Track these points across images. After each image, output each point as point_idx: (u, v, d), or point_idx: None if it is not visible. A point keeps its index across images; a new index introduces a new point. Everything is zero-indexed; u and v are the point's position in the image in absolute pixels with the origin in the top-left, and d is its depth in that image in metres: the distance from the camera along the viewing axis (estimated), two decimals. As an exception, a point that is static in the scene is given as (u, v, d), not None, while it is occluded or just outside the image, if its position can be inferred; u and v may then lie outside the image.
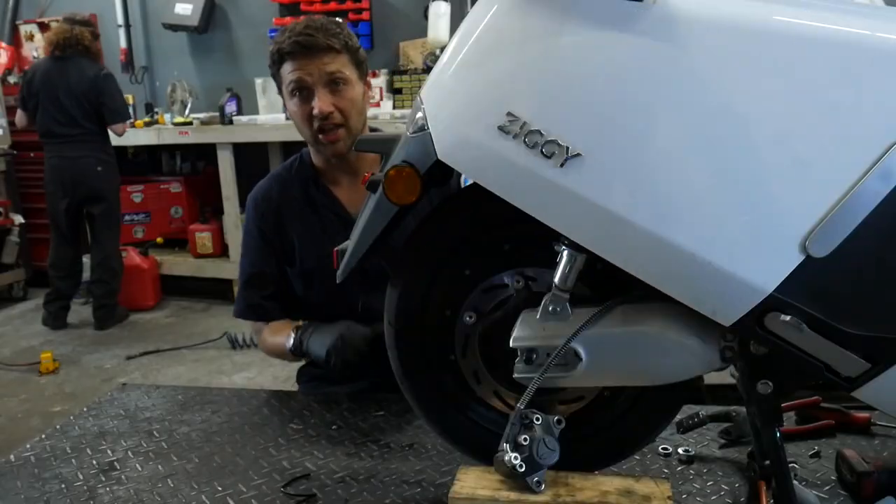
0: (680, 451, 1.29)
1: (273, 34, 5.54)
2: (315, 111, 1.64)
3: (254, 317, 1.81)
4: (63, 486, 1.30)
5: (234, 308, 1.85)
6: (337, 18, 1.75)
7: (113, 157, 5.06)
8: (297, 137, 1.78)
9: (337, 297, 1.59)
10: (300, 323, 1.64)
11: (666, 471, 1.24)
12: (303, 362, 1.82)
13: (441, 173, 1.04)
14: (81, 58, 4.86)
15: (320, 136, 1.67)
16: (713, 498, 1.16)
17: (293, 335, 1.60)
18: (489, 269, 1.12)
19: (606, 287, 1.04)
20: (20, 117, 5.07)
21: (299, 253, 1.75)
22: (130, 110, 5.76)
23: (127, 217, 5.64)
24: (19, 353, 4.62)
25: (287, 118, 1.84)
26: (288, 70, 1.65)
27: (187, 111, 5.64)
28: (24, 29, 6.57)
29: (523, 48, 0.95)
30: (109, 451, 1.43)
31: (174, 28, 5.93)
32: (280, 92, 1.73)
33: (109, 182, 5.05)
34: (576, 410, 1.12)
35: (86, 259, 5.22)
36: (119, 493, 1.26)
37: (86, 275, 5.20)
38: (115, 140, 5.21)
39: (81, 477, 1.33)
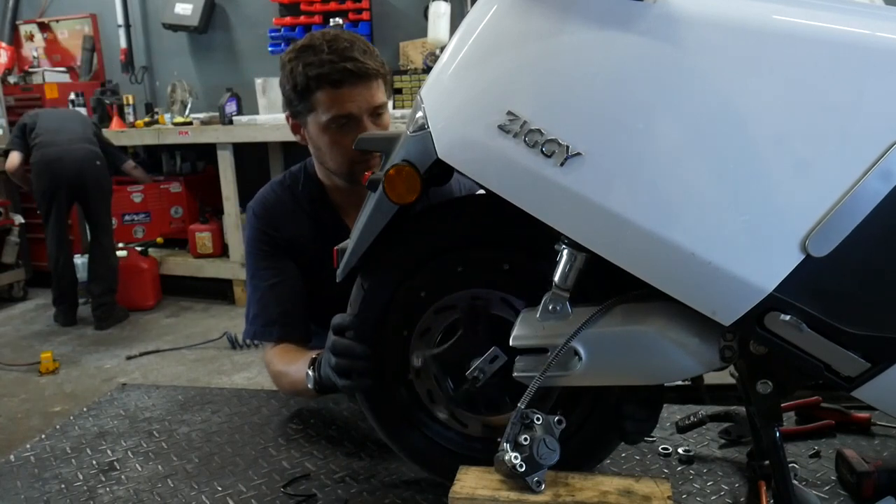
0: (680, 451, 1.29)
1: (273, 34, 5.55)
2: None
3: (272, 336, 1.62)
4: (63, 486, 1.30)
5: (246, 331, 1.65)
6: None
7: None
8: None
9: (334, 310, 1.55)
10: (315, 354, 1.37)
11: (666, 471, 1.24)
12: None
13: (441, 172, 1.04)
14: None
15: (358, 167, 1.53)
16: (713, 498, 1.16)
17: (311, 373, 1.34)
18: (442, 291, 1.13)
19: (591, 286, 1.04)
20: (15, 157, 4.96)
21: (305, 266, 1.66)
22: (131, 110, 5.79)
23: (127, 217, 5.65)
24: (19, 353, 4.62)
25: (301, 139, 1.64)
26: (331, 98, 1.48)
27: (187, 111, 5.65)
28: (24, 29, 6.58)
29: (523, 47, 0.95)
30: (109, 451, 1.43)
31: (174, 28, 5.94)
32: (300, 115, 1.57)
33: (108, 179, 5.09)
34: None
35: (82, 260, 5.25)
36: (119, 493, 1.26)
37: (83, 274, 5.23)
38: (114, 140, 5.24)
39: (81, 477, 1.33)
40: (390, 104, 5.49)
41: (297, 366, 1.47)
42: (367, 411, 1.21)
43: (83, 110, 5.65)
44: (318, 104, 1.51)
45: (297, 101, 1.54)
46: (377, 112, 1.53)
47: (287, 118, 1.64)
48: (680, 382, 1.36)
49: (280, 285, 1.64)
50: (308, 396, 1.57)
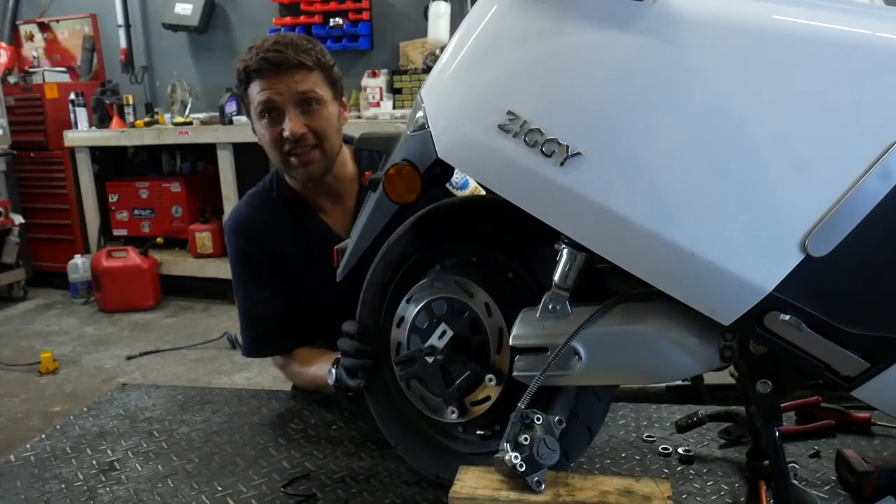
0: (680, 451, 1.29)
1: (273, 34, 5.54)
2: (286, 133, 1.51)
3: (266, 352, 1.69)
4: (63, 486, 1.30)
5: (242, 348, 1.72)
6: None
7: None
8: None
9: (332, 308, 1.51)
10: (338, 355, 1.38)
11: (666, 471, 1.24)
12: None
13: (441, 172, 1.04)
14: None
15: (292, 160, 1.55)
16: (713, 498, 1.16)
17: (334, 370, 1.38)
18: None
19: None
20: None
21: (292, 273, 1.66)
22: (131, 110, 5.78)
23: (136, 211, 5.75)
24: (19, 353, 4.62)
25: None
26: (256, 90, 1.53)
27: (187, 111, 5.64)
28: (24, 29, 6.57)
29: (524, 47, 0.95)
30: (109, 451, 1.43)
31: (174, 28, 5.93)
32: (248, 114, 1.62)
33: None
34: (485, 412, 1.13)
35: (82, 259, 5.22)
36: (119, 493, 1.26)
37: (82, 275, 5.19)
38: (115, 140, 5.21)
39: (81, 477, 1.33)
40: (389, 104, 5.38)
41: (317, 365, 1.57)
42: (371, 409, 1.26)
43: (83, 111, 5.60)
44: (251, 97, 1.56)
45: (242, 101, 1.62)
46: (306, 101, 1.53)
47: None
48: (680, 382, 1.37)
49: (260, 304, 1.66)
50: (329, 391, 1.57)
